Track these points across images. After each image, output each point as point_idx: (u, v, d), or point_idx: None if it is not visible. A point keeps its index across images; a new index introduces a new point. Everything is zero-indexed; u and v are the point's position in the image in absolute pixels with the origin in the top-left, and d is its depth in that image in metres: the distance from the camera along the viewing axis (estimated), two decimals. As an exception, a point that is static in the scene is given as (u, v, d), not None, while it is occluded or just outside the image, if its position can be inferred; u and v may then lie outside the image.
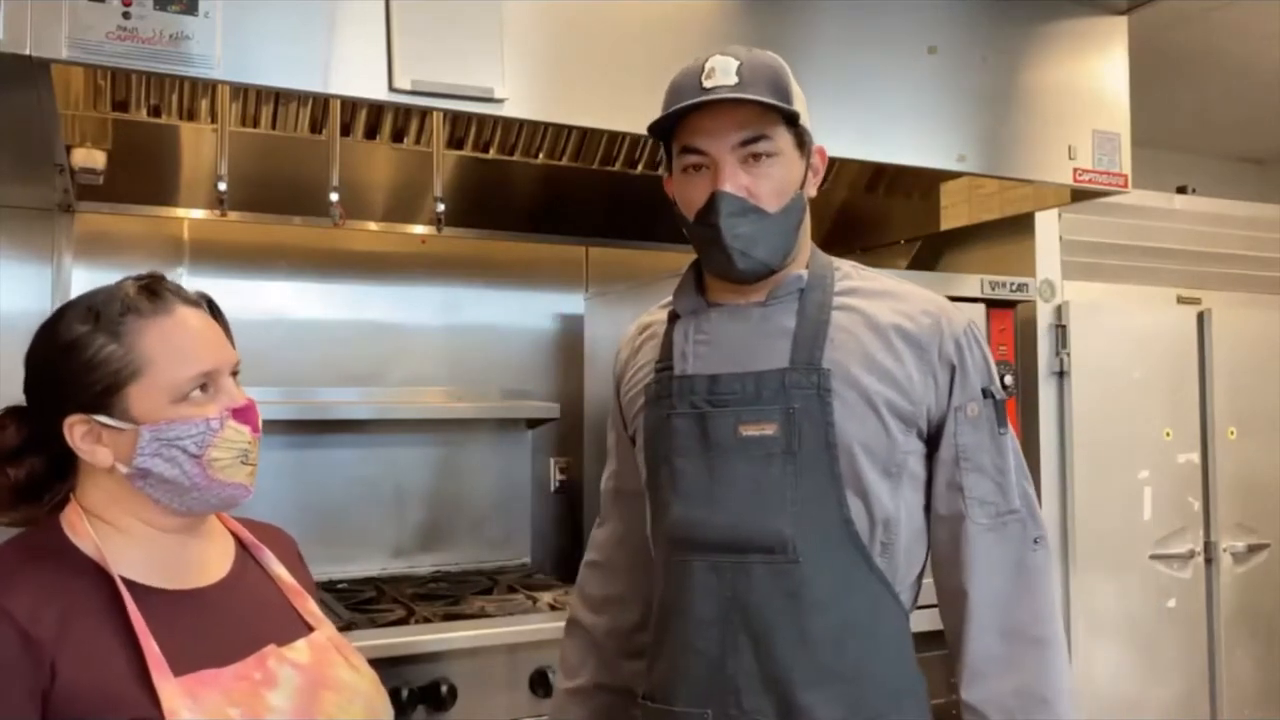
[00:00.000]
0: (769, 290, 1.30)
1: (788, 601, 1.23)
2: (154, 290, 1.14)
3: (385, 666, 1.91)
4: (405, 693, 1.91)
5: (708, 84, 1.22)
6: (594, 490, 2.80)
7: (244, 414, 1.13)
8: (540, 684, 2.03)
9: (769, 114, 1.22)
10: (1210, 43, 3.06)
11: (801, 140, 1.28)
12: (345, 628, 2.00)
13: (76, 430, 1.08)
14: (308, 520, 2.57)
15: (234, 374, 1.16)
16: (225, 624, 1.13)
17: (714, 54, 1.24)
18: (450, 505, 2.74)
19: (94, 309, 1.10)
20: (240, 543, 1.26)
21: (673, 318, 1.38)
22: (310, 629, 1.21)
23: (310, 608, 1.24)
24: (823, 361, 1.25)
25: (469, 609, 2.19)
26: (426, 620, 2.09)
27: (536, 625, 2.08)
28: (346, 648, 1.22)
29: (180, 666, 1.04)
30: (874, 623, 1.26)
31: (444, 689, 1.93)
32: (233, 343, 1.18)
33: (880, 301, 1.30)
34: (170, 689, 1.01)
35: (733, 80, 1.21)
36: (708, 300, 1.35)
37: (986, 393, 1.28)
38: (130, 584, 1.07)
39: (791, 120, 1.24)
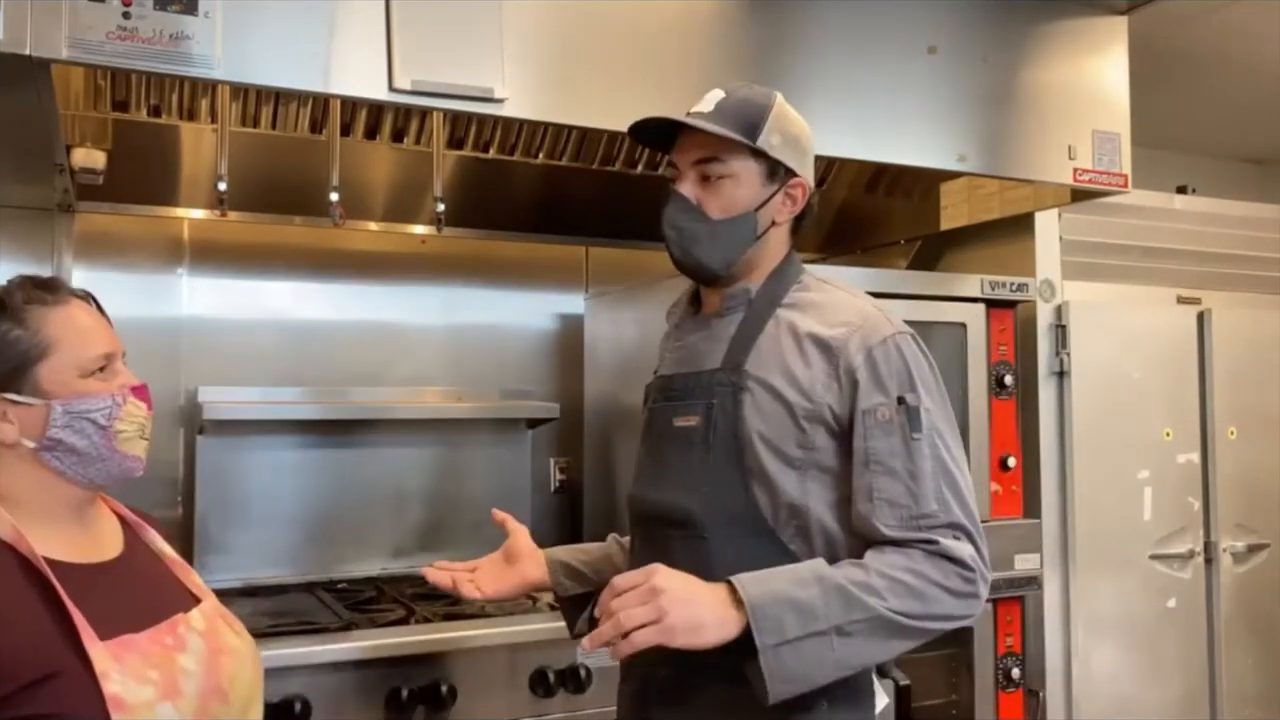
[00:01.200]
0: (723, 301, 1.48)
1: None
2: (48, 284, 1.26)
3: (385, 666, 1.92)
4: (405, 693, 1.91)
5: (693, 110, 1.44)
6: (594, 490, 2.82)
7: (141, 392, 1.26)
8: (540, 684, 2.03)
9: (729, 142, 1.40)
10: (1210, 43, 3.06)
11: (773, 170, 1.43)
12: (345, 628, 2.00)
13: None
14: (308, 520, 2.57)
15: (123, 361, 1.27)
16: (133, 594, 1.23)
17: (720, 85, 1.45)
18: (450, 505, 2.74)
19: None
20: (124, 522, 1.35)
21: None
22: (197, 600, 1.31)
23: (194, 579, 1.34)
24: (745, 365, 1.41)
25: (469, 609, 2.18)
26: (426, 620, 2.09)
27: (536, 625, 2.07)
28: (229, 616, 1.33)
29: (103, 632, 1.13)
30: None
31: (444, 689, 1.93)
32: (116, 335, 1.29)
33: (809, 313, 1.42)
34: (99, 652, 1.10)
35: (709, 109, 1.42)
36: (699, 312, 1.54)
37: (901, 399, 1.35)
38: (46, 559, 1.15)
39: (756, 151, 1.41)
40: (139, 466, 1.27)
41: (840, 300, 1.44)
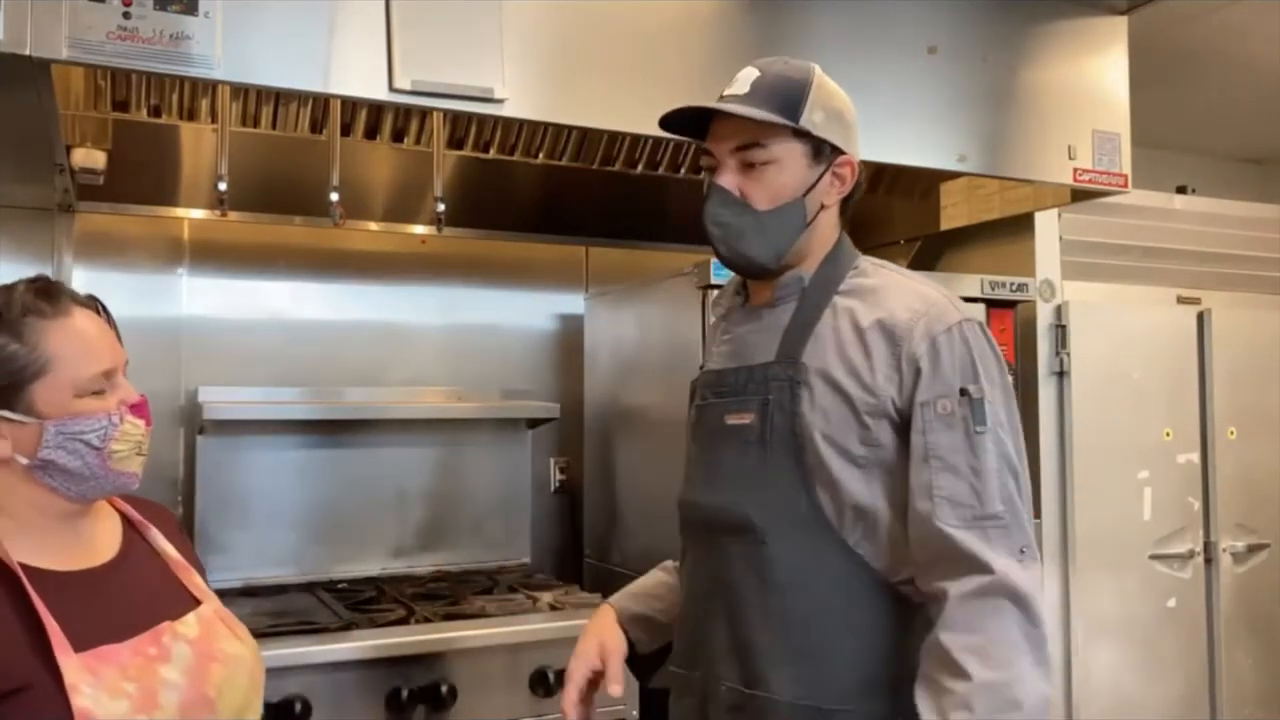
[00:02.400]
0: (775, 291, 1.38)
1: (757, 580, 1.29)
2: (50, 292, 1.20)
3: (385, 666, 1.92)
4: (405, 693, 1.91)
5: (726, 93, 1.34)
6: (594, 490, 2.82)
7: (139, 409, 1.21)
8: (540, 684, 2.03)
9: (770, 125, 1.30)
10: (1210, 43, 3.06)
11: (818, 150, 1.34)
12: (345, 628, 2.00)
13: None
14: (308, 519, 2.57)
15: (124, 373, 1.23)
16: (119, 601, 1.20)
17: (753, 63, 1.35)
18: (450, 505, 2.74)
19: None
20: (128, 521, 1.32)
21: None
22: (197, 603, 1.28)
23: (196, 581, 1.31)
24: (802, 357, 1.32)
25: (469, 609, 2.19)
26: (426, 620, 2.09)
27: (536, 625, 2.07)
28: (231, 619, 1.29)
29: (79, 643, 1.10)
30: (850, 609, 1.28)
31: (444, 689, 1.93)
32: (120, 342, 1.24)
33: (869, 299, 1.33)
34: (71, 664, 1.07)
35: (744, 91, 1.32)
36: (747, 302, 1.45)
37: (964, 391, 1.26)
38: (26, 568, 1.13)
39: (800, 132, 1.31)
40: (134, 482, 1.23)
41: (902, 285, 1.35)
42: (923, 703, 1.21)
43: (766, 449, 1.31)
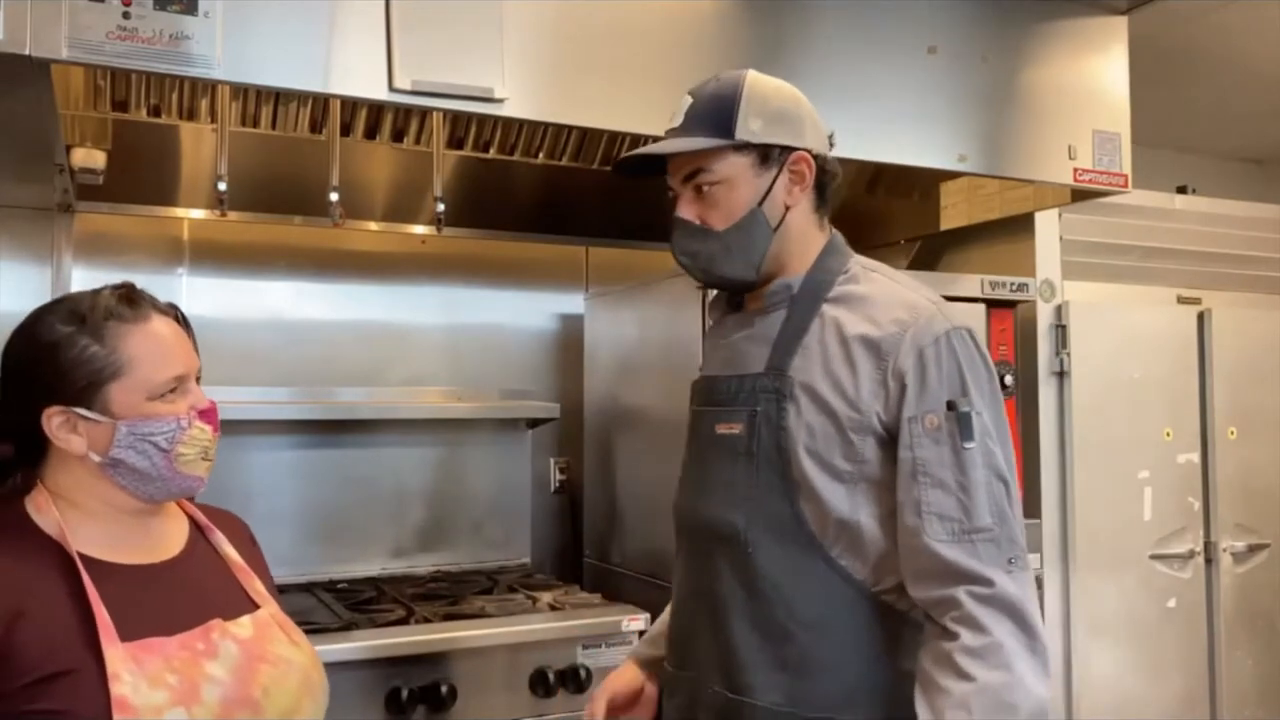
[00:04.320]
0: (765, 299, 1.40)
1: (743, 589, 1.32)
2: (132, 299, 1.24)
3: (385, 666, 1.92)
4: (405, 693, 1.91)
5: (667, 127, 1.38)
6: (594, 490, 2.82)
7: (207, 415, 1.27)
8: (540, 684, 2.03)
9: (710, 149, 1.33)
10: (1210, 43, 3.06)
11: (766, 156, 1.35)
12: (345, 628, 2.00)
13: (54, 420, 1.19)
14: (308, 520, 2.57)
15: (196, 379, 1.28)
16: (175, 597, 1.23)
17: (689, 89, 1.39)
18: (450, 505, 2.74)
19: (77, 312, 1.21)
20: (194, 523, 1.36)
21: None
22: (256, 606, 1.31)
23: (256, 586, 1.33)
24: (789, 369, 1.33)
25: (469, 609, 2.19)
26: (426, 620, 2.09)
27: (536, 625, 2.08)
28: (289, 625, 1.32)
29: (128, 633, 1.13)
30: (832, 619, 1.29)
31: (444, 689, 1.93)
32: (197, 351, 1.30)
33: (857, 309, 1.33)
34: (116, 653, 1.11)
35: (680, 122, 1.37)
36: (742, 307, 1.47)
37: (951, 405, 1.26)
38: (87, 559, 1.17)
39: (741, 144, 1.34)
40: (200, 485, 1.27)
41: (890, 292, 1.34)
42: (920, 703, 1.22)
43: (754, 460, 1.33)
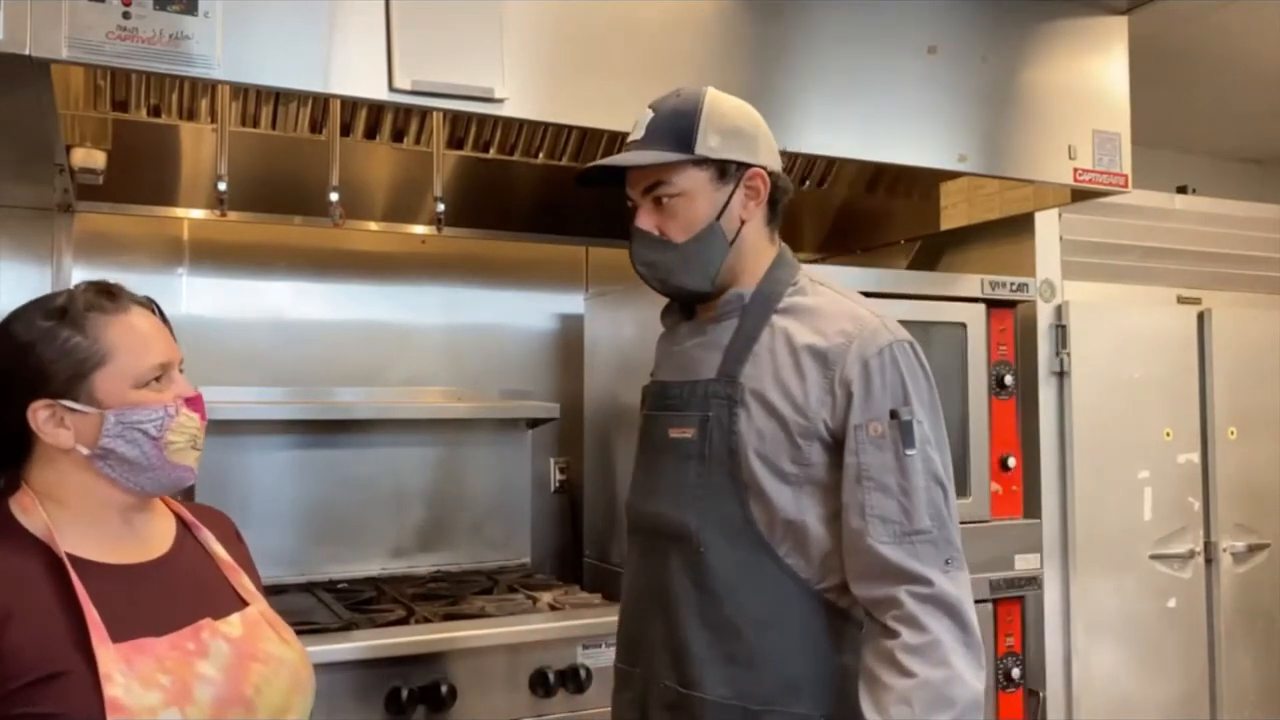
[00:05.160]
0: (717, 308, 1.45)
1: (693, 586, 1.37)
2: (110, 292, 1.26)
3: (385, 666, 1.92)
4: (405, 693, 1.91)
5: (629, 139, 1.43)
6: (594, 490, 2.82)
7: (194, 403, 1.26)
8: (540, 684, 2.03)
9: (669, 163, 1.37)
10: (1210, 43, 3.06)
11: (723, 171, 1.40)
12: (345, 628, 2.00)
13: (40, 415, 1.19)
14: (308, 520, 2.57)
15: (180, 370, 1.28)
16: (164, 597, 1.23)
17: (650, 102, 1.43)
18: (450, 505, 2.74)
19: (56, 307, 1.22)
20: (181, 522, 1.36)
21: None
22: (245, 604, 1.31)
23: (245, 583, 1.33)
24: (740, 376, 1.39)
25: (469, 609, 2.19)
26: (426, 620, 2.09)
27: (536, 625, 2.07)
28: (278, 622, 1.32)
29: (119, 634, 1.13)
30: (779, 615, 1.36)
31: (444, 689, 1.93)
32: (176, 341, 1.30)
33: (805, 320, 1.39)
34: (107, 654, 1.11)
35: (640, 135, 1.41)
36: (694, 315, 1.52)
37: (894, 414, 1.32)
38: (76, 559, 1.17)
39: (700, 160, 1.38)
40: (190, 476, 1.27)
41: (836, 305, 1.41)
42: (865, 698, 1.29)
43: (705, 463, 1.38)
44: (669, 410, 1.46)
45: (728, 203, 1.40)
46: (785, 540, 1.36)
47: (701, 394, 1.41)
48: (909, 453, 1.31)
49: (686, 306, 1.53)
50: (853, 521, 1.32)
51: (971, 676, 1.27)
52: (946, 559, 1.31)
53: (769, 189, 1.43)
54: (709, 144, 1.38)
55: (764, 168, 1.43)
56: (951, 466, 1.38)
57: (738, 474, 1.36)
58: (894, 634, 1.28)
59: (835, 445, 1.35)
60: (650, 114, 1.42)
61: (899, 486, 1.31)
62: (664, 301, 1.58)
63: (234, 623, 1.26)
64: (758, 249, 1.45)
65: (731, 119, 1.41)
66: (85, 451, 1.20)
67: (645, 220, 1.42)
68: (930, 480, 1.32)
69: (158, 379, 1.23)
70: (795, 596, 1.36)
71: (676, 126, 1.39)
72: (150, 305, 1.29)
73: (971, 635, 1.29)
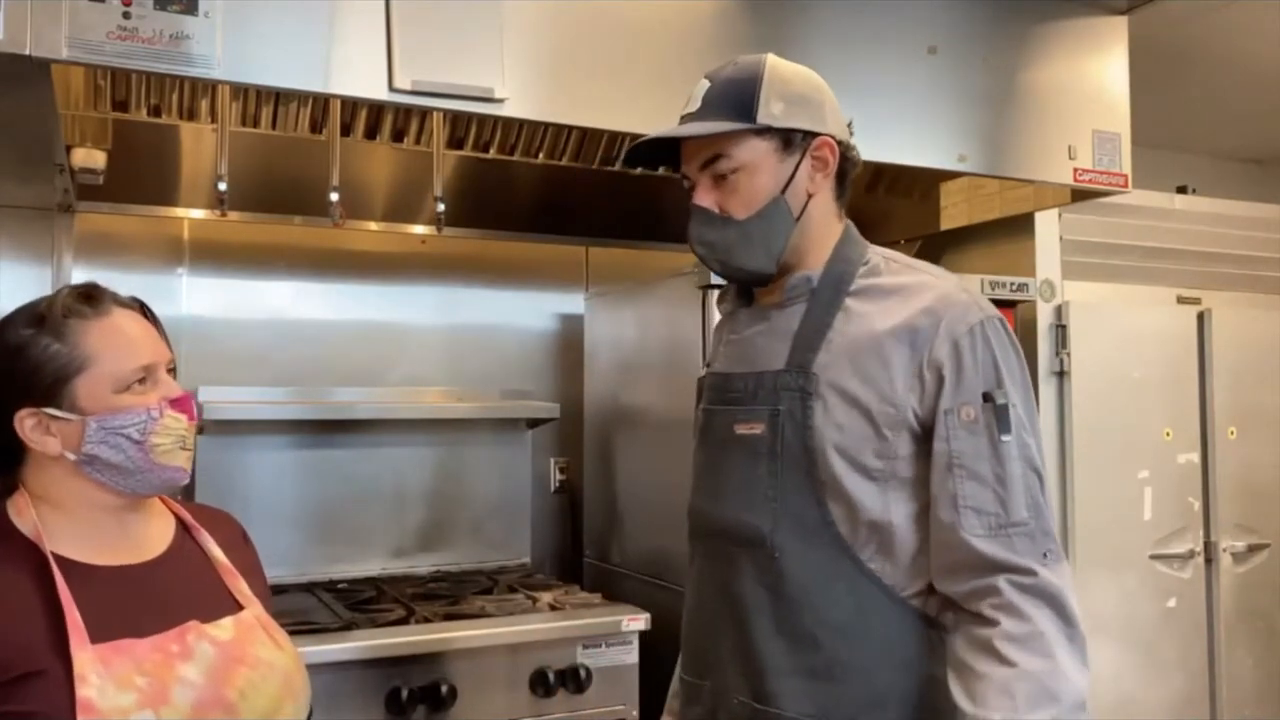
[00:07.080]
0: (783, 292, 1.34)
1: (767, 594, 1.27)
2: (91, 295, 1.24)
3: (385, 666, 1.92)
4: (405, 693, 1.91)
5: (683, 111, 1.32)
6: (594, 490, 2.82)
7: (181, 404, 1.24)
8: (540, 684, 2.03)
9: (730, 133, 1.27)
10: (1210, 43, 3.06)
11: (788, 141, 1.29)
12: (345, 627, 2.00)
13: (26, 423, 1.19)
14: (308, 520, 2.57)
15: (171, 370, 1.26)
16: (151, 599, 1.23)
17: (706, 73, 1.32)
18: (450, 505, 2.74)
19: (36, 315, 1.21)
20: (181, 524, 1.35)
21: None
22: (240, 607, 1.30)
23: (241, 587, 1.32)
24: (814, 366, 1.27)
25: (469, 609, 2.19)
26: (426, 620, 2.09)
27: (536, 625, 2.07)
28: (272, 626, 1.31)
29: (101, 635, 1.13)
30: (861, 624, 1.25)
31: (444, 689, 1.93)
32: (167, 343, 1.28)
33: (886, 302, 1.28)
34: (84, 655, 1.11)
35: (697, 106, 1.30)
36: (754, 300, 1.41)
37: (988, 396, 1.22)
38: (66, 561, 1.18)
39: (762, 129, 1.28)
40: (182, 476, 1.26)
41: (918, 283, 1.29)
42: (957, 690, 1.18)
43: (777, 461, 1.27)
44: (733, 404, 1.34)
45: (793, 175, 1.29)
46: (869, 543, 1.25)
47: (770, 386, 1.30)
48: (1004, 438, 1.21)
49: (745, 291, 1.41)
50: (943, 514, 1.21)
51: (1076, 673, 1.15)
52: (1044, 551, 1.20)
53: (838, 160, 1.32)
54: (772, 111, 1.27)
55: (832, 136, 1.31)
56: (1043, 449, 1.27)
57: (814, 472, 1.25)
58: (992, 622, 1.17)
59: (923, 434, 1.23)
60: (706, 84, 1.30)
61: (994, 475, 1.20)
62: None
63: (225, 626, 1.25)
64: (825, 226, 1.34)
65: (795, 84, 1.30)
66: (72, 457, 1.19)
67: (704, 197, 1.30)
68: (1027, 468, 1.22)
69: (141, 381, 1.21)
70: (879, 603, 1.25)
71: (736, 94, 1.28)
72: (137, 305, 1.28)
73: (1076, 630, 1.18)
